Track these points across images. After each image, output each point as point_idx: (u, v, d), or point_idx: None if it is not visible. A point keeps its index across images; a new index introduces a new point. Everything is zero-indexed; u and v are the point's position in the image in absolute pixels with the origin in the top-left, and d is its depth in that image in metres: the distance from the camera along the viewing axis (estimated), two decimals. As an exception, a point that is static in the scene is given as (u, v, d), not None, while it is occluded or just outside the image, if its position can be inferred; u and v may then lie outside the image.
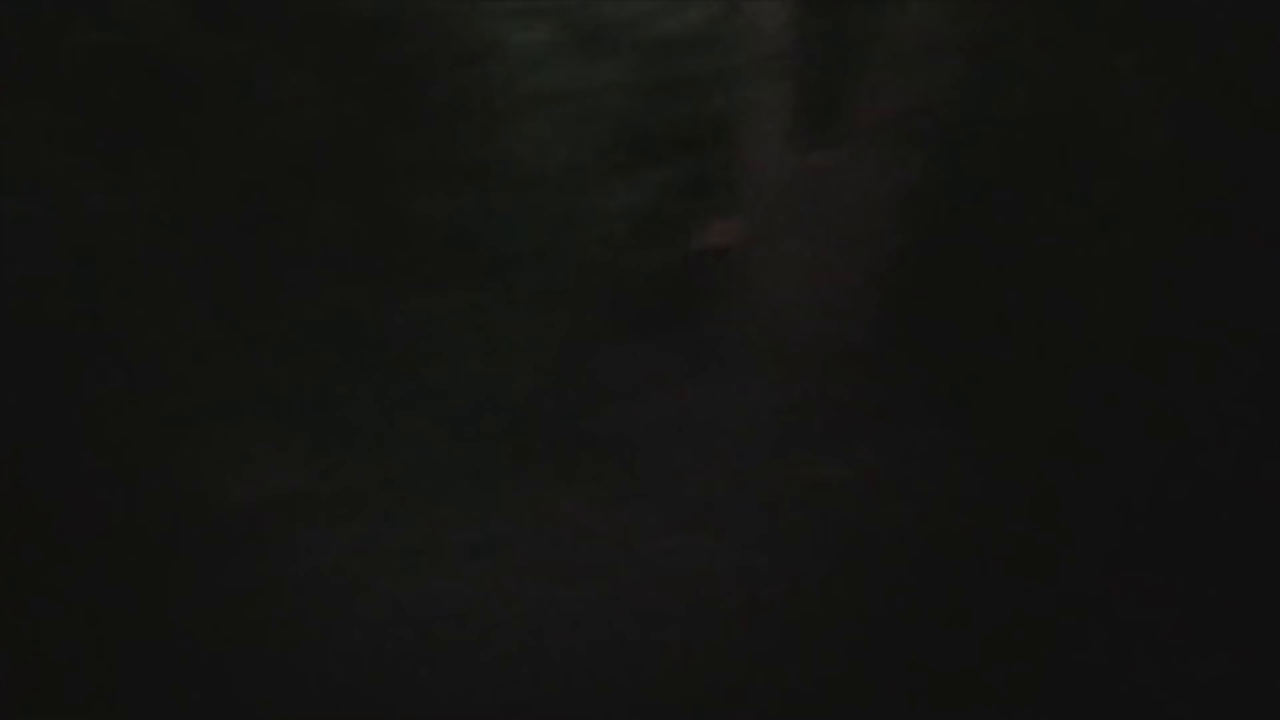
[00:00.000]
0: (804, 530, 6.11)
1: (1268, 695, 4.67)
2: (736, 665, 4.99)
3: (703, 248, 7.34)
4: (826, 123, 7.17)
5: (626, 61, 6.10)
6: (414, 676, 4.43)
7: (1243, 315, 6.14)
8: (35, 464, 4.69)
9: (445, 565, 5.18)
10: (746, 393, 7.02)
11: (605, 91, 6.03)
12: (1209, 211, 6.33)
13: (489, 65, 5.91)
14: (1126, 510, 6.14)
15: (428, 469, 5.60)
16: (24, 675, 3.94)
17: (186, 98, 5.82)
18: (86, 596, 4.37)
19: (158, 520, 4.81)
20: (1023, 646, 5.25)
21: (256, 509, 5.17)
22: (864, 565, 5.82)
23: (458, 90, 5.96)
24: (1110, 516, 6.20)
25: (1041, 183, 6.61)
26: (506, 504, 5.60)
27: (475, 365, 6.00)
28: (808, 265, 7.13)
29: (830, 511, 6.32)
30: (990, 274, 7.19)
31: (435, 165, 6.46)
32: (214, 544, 4.86)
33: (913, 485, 6.50)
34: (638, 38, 6.12)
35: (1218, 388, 6.22)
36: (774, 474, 6.48)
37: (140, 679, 4.07)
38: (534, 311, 6.39)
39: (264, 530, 5.02)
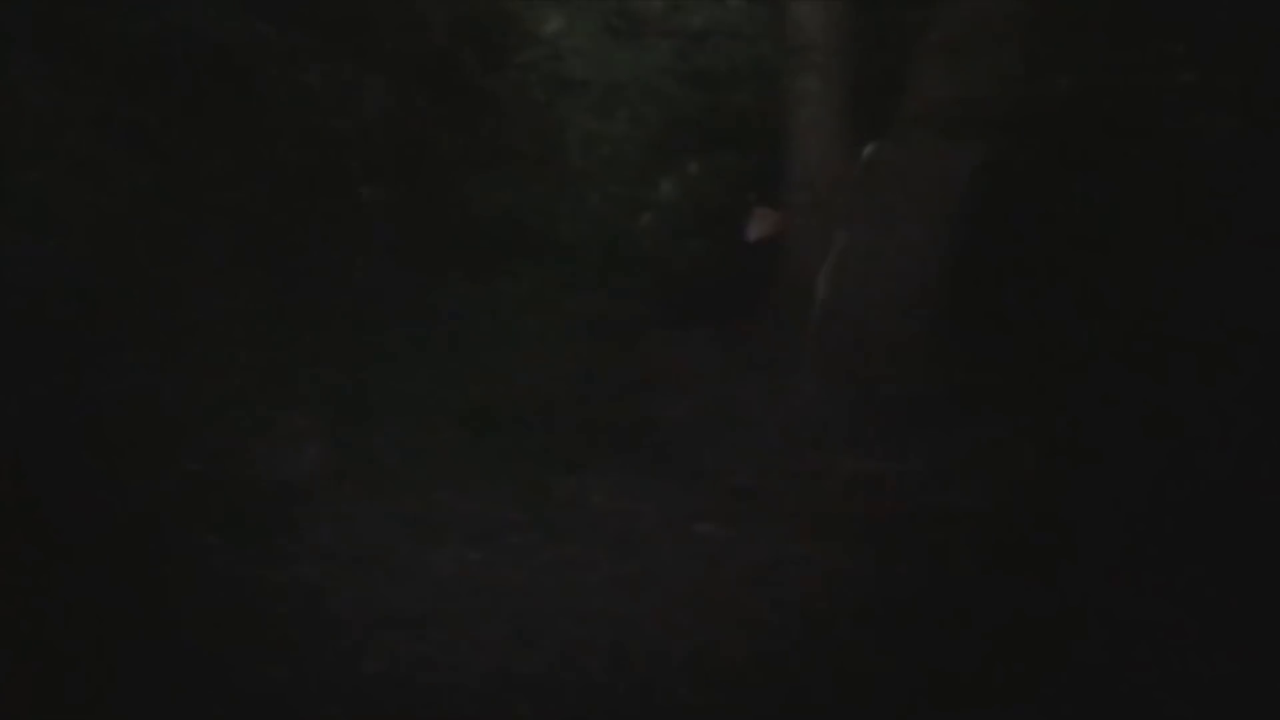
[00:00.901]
0: (843, 522, 6.07)
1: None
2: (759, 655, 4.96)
3: (753, 238, 7.35)
4: (876, 113, 7.14)
5: (674, 52, 6.10)
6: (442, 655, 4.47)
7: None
8: (67, 444, 4.85)
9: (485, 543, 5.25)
10: (793, 385, 7.01)
11: (655, 83, 6.04)
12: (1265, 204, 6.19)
13: (539, 58, 5.97)
14: (1175, 503, 6.05)
15: (466, 451, 5.68)
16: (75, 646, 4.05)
17: (246, 87, 6.00)
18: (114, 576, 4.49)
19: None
20: (1049, 643, 5.17)
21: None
22: (901, 557, 5.77)
23: (509, 83, 6.04)
24: (1161, 510, 6.11)
25: (1091, 172, 6.52)
26: (542, 488, 5.64)
27: (520, 351, 6.07)
28: (858, 257, 7.09)
29: (872, 504, 6.29)
30: (1040, 267, 7.11)
31: (488, 155, 6.58)
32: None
33: (958, 480, 6.45)
34: (684, 28, 6.12)
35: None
36: (816, 467, 6.46)
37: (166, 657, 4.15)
38: (582, 299, 6.46)
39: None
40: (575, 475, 5.71)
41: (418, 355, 5.75)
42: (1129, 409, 6.55)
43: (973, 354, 7.22)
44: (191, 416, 5.13)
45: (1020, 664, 5.04)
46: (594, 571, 5.14)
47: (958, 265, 7.12)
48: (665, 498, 5.83)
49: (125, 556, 4.39)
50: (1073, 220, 6.38)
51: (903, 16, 6.85)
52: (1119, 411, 6.58)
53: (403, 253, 5.93)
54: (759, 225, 7.24)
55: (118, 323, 5.35)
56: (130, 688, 3.91)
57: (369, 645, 4.23)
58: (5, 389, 4.86)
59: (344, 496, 5.16)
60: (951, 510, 6.25)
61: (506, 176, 6.29)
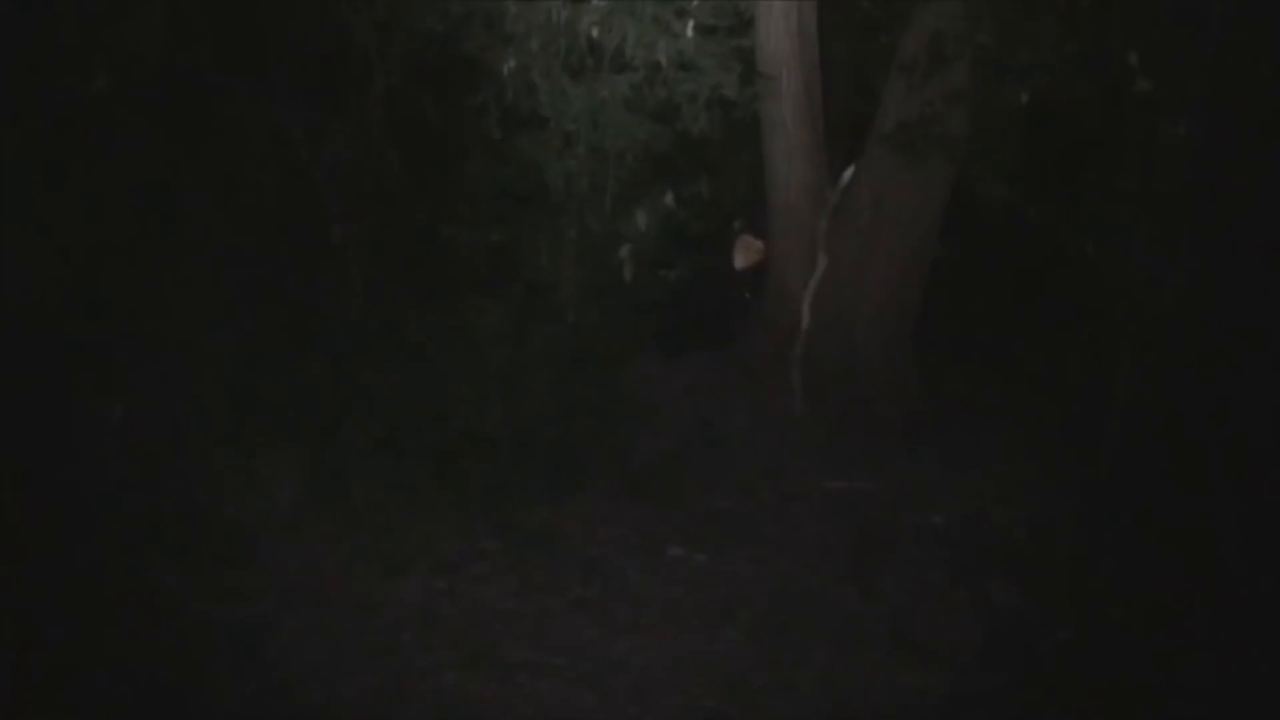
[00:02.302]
0: (819, 543, 6.14)
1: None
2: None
3: (739, 267, 7.46)
4: (851, 136, 7.24)
5: (631, 86, 6.23)
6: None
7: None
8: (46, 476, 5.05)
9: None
10: (775, 409, 7.10)
11: (614, 116, 6.18)
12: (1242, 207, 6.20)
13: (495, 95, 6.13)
14: (1163, 512, 6.06)
15: (440, 483, 5.81)
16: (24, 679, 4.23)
17: (217, 131, 6.23)
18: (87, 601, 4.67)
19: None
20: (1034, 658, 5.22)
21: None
22: (875, 575, 5.82)
23: (487, 120, 6.20)
24: (1146, 522, 6.12)
25: (1065, 182, 6.56)
26: (513, 517, 5.76)
27: (497, 384, 6.19)
28: (840, 279, 7.18)
29: (852, 521, 6.35)
30: (1014, 281, 7.15)
31: (468, 192, 6.76)
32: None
33: (937, 497, 6.50)
34: (642, 61, 6.25)
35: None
36: (795, 489, 6.53)
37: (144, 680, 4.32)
38: (560, 331, 6.59)
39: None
40: (549, 504, 5.79)
41: (393, 390, 5.89)
42: (1113, 421, 6.56)
43: (955, 370, 7.28)
44: (162, 453, 5.30)
45: (1005, 681, 5.10)
46: (557, 596, 5.24)
47: (937, 283, 7.18)
48: (640, 523, 5.92)
49: (81, 590, 4.56)
50: (1043, 232, 6.40)
51: (870, 43, 6.92)
52: (1103, 424, 6.59)
53: (376, 290, 6.09)
54: (744, 253, 7.34)
55: (92, 358, 5.54)
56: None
57: (312, 675, 4.35)
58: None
59: (311, 531, 5.29)
60: (928, 527, 6.29)
61: (482, 212, 6.44)
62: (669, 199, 6.57)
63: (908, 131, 6.44)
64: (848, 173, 7.16)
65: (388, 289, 6.02)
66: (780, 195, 7.12)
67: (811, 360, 7.08)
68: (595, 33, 5.96)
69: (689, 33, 6.19)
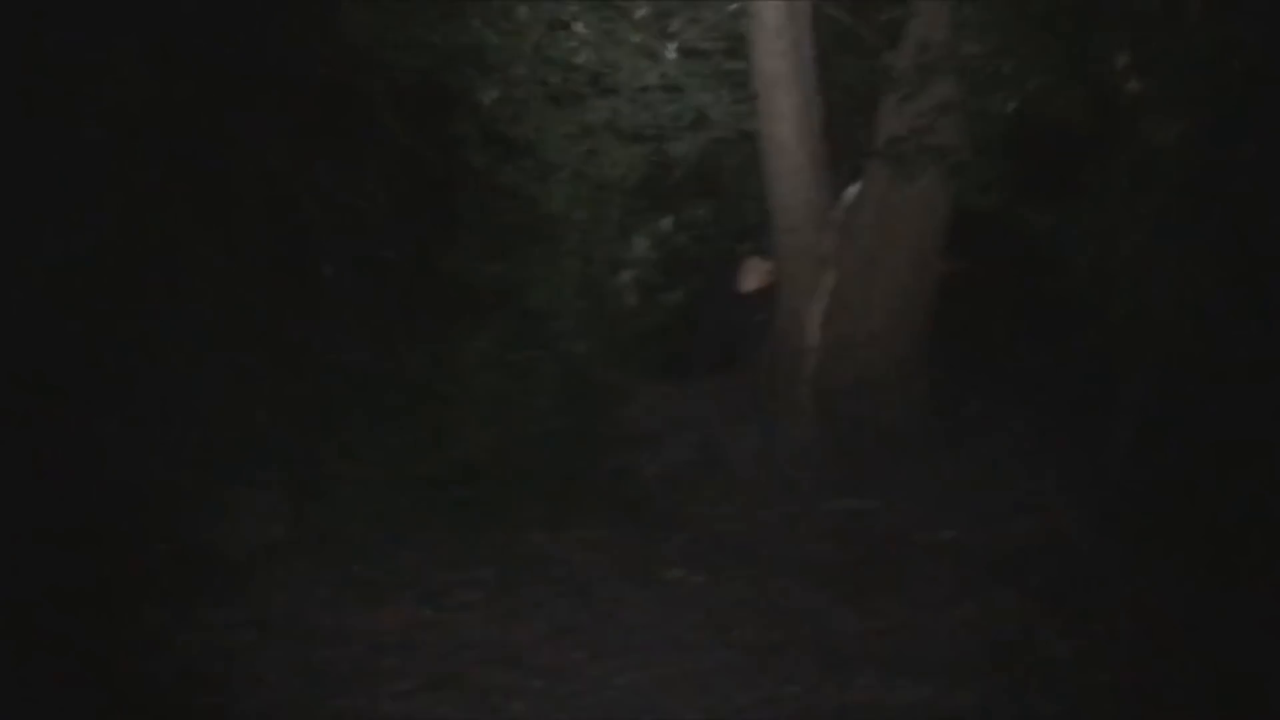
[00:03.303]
0: (824, 559, 6.09)
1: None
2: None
3: (746, 289, 7.43)
4: (850, 154, 7.21)
5: (611, 110, 6.27)
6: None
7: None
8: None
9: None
10: (780, 430, 7.05)
11: (597, 141, 6.21)
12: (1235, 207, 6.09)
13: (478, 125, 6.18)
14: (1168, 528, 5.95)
15: (437, 513, 5.85)
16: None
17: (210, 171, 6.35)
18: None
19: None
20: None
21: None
22: (873, 593, 5.76)
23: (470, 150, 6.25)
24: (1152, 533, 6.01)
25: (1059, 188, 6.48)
26: (509, 544, 5.77)
27: (499, 412, 6.23)
28: (846, 297, 7.13)
29: (858, 540, 6.29)
30: (1024, 292, 7.06)
31: (464, 223, 6.81)
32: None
33: (941, 514, 6.41)
34: (624, 86, 6.28)
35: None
36: (797, 509, 6.49)
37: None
38: (560, 358, 6.61)
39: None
40: (545, 531, 5.80)
41: (390, 421, 5.94)
42: (1120, 437, 6.45)
43: (966, 385, 7.19)
44: (154, 489, 5.39)
45: (1000, 696, 5.01)
46: (544, 621, 5.23)
47: (944, 297, 7.12)
48: (638, 547, 5.90)
49: (64, 620, 4.64)
50: (1040, 241, 6.32)
51: (871, 60, 6.90)
52: (1109, 440, 6.49)
53: (370, 322, 6.15)
54: (752, 275, 7.32)
55: (87, 397, 5.64)
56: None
57: (281, 703, 4.38)
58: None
59: (300, 563, 5.33)
60: (936, 544, 6.21)
61: (478, 242, 6.48)
62: (667, 223, 6.54)
63: (898, 145, 6.38)
64: (851, 190, 7.12)
65: (383, 321, 6.06)
66: (784, 216, 7.10)
67: (820, 380, 7.02)
68: (578, 59, 5.97)
69: (670, 54, 6.18)
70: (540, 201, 6.22)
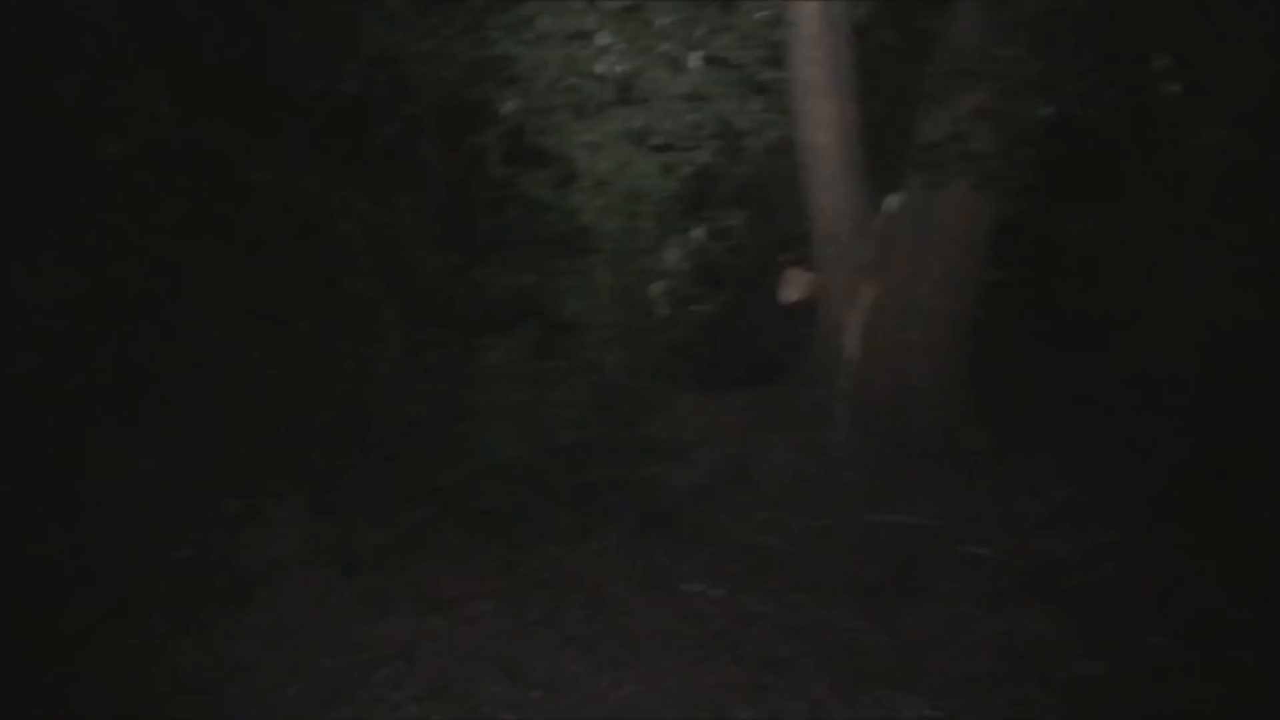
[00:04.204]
0: (851, 574, 5.99)
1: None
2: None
3: (788, 301, 7.33)
4: (894, 163, 7.08)
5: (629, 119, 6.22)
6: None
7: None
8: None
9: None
10: (816, 443, 6.93)
11: (619, 151, 6.17)
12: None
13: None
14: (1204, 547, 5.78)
15: (457, 525, 5.84)
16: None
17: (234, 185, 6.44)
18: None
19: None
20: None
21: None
22: (898, 612, 5.65)
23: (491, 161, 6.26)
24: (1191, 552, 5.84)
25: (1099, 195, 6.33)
26: (526, 555, 5.75)
27: (521, 418, 6.21)
28: (887, 309, 7.01)
29: (888, 555, 6.16)
30: (1071, 301, 6.90)
31: (497, 239, 6.82)
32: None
33: (975, 531, 6.27)
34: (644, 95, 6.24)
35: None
36: (829, 524, 6.37)
37: None
38: (591, 368, 6.57)
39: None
40: (563, 543, 5.76)
41: (411, 430, 5.95)
42: (1162, 451, 6.27)
43: (1010, 397, 7.03)
44: (173, 500, 5.46)
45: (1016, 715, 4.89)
46: (553, 633, 5.19)
47: (989, 307, 6.97)
48: (658, 560, 5.83)
49: (77, 636, 4.72)
50: (1082, 249, 6.16)
51: (910, 68, 6.78)
52: (1152, 453, 6.31)
53: (395, 334, 6.18)
54: (793, 286, 7.23)
55: (104, 403, 5.74)
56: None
57: (271, 712, 4.40)
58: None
59: (312, 573, 5.36)
60: (971, 559, 6.07)
61: (511, 254, 6.48)
62: (699, 233, 6.47)
63: (931, 152, 6.25)
64: (892, 199, 7.00)
65: (407, 331, 6.08)
66: (823, 225, 6.98)
67: (859, 391, 6.89)
68: (601, 69, 5.94)
69: (695, 62, 6.12)
70: (569, 212, 6.18)
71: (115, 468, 5.57)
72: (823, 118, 6.84)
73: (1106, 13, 5.82)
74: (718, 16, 6.21)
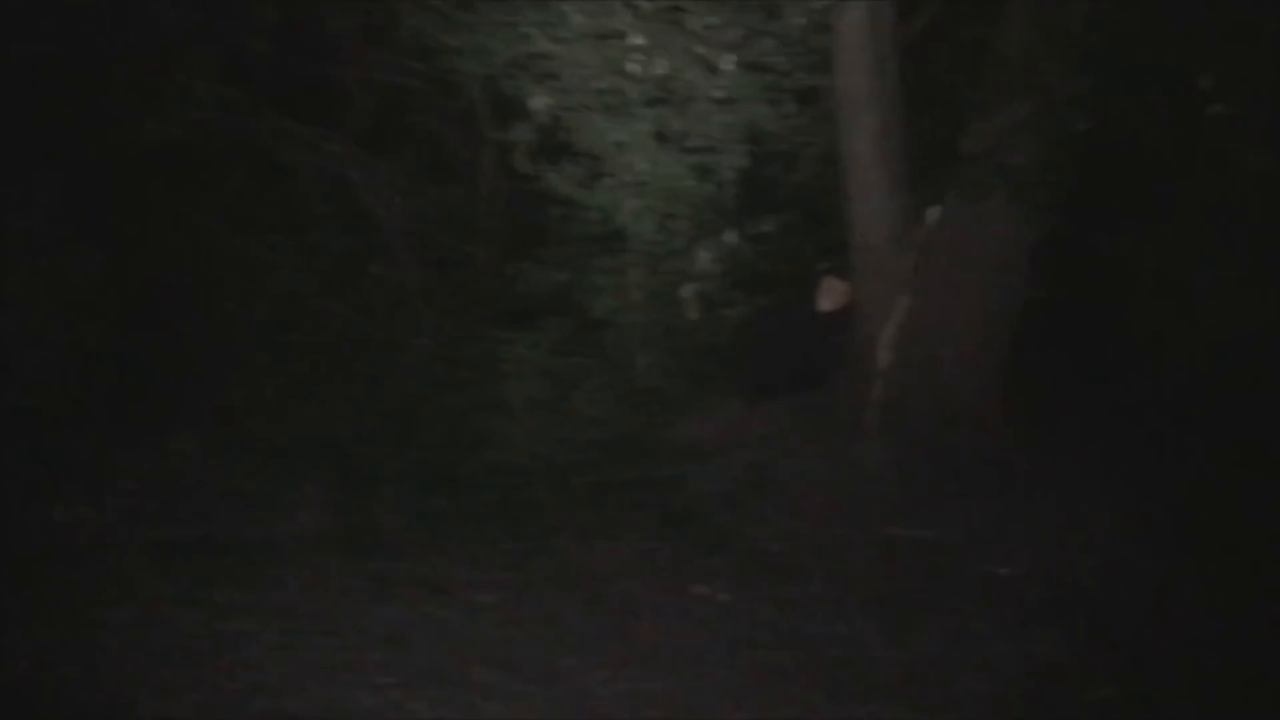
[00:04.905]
0: (865, 586, 5.93)
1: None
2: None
3: (825, 309, 7.28)
4: (931, 173, 7.02)
5: (658, 120, 6.22)
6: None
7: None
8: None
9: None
10: (843, 453, 6.87)
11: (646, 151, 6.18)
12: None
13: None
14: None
15: (473, 516, 5.87)
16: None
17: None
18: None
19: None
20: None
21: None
22: (904, 627, 5.58)
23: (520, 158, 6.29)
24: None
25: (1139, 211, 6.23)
26: (536, 549, 5.76)
27: (543, 414, 6.23)
28: (923, 320, 6.94)
29: (905, 569, 6.09)
30: (1111, 319, 6.78)
31: (531, 236, 6.86)
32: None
33: (996, 547, 6.17)
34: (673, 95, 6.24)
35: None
36: (848, 534, 6.31)
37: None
38: (620, 369, 6.58)
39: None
40: (577, 539, 5.75)
41: (435, 420, 5.98)
42: (1195, 475, 6.14)
43: (1046, 414, 6.92)
44: (196, 480, 5.54)
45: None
46: (553, 628, 5.18)
47: (1028, 322, 6.87)
48: (670, 562, 5.81)
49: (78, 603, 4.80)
50: (1122, 265, 6.06)
51: (957, 80, 6.72)
52: (1184, 480, 6.18)
53: (425, 326, 6.22)
54: (830, 295, 7.18)
55: (141, 385, 5.84)
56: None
57: (259, 688, 4.43)
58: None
59: (323, 556, 5.40)
60: (990, 578, 5.98)
61: (545, 251, 6.51)
62: (731, 237, 6.45)
63: (970, 165, 6.19)
64: (933, 211, 6.93)
65: (439, 323, 6.13)
66: (861, 234, 6.95)
67: (891, 403, 6.83)
68: (633, 68, 5.95)
69: (728, 65, 6.10)
70: (601, 211, 6.20)
71: (144, 444, 5.64)
72: (864, 127, 6.82)
73: (1152, 30, 5.71)
74: (757, 21, 6.17)
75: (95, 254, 5.79)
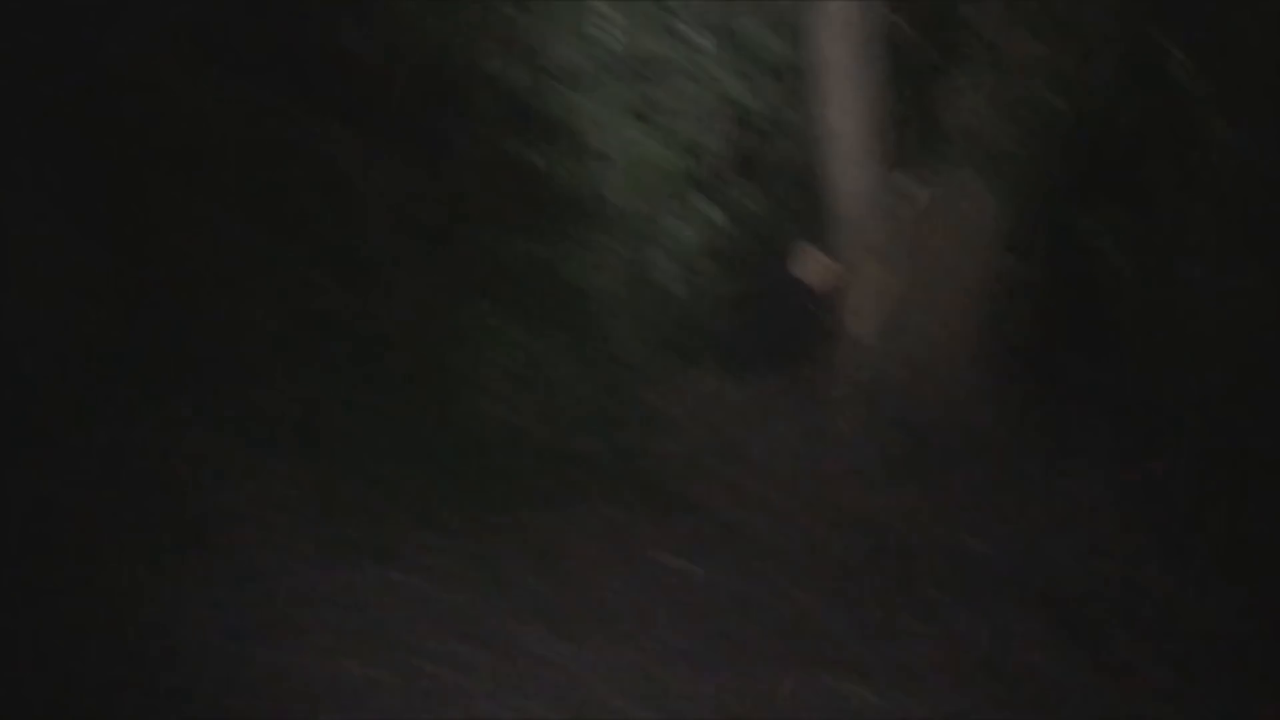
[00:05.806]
0: (835, 559, 5.88)
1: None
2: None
3: (801, 278, 7.21)
4: (913, 146, 6.94)
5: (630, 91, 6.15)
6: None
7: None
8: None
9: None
10: (817, 425, 6.82)
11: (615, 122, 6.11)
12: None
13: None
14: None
15: (436, 486, 5.81)
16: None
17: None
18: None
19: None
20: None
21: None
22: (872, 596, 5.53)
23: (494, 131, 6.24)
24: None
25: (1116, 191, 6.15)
26: (498, 519, 5.70)
27: (522, 391, 6.18)
28: (900, 294, 6.89)
29: (878, 543, 6.04)
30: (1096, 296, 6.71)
31: (522, 209, 6.79)
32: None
33: (986, 521, 6.11)
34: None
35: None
36: (816, 505, 6.25)
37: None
38: (595, 341, 6.52)
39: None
40: (544, 509, 5.70)
41: (399, 388, 5.93)
42: (1176, 457, 6.08)
43: (1027, 392, 6.85)
44: (171, 455, 5.49)
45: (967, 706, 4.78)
46: (513, 598, 5.13)
47: (1011, 300, 6.81)
48: (638, 533, 5.74)
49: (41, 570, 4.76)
50: (1105, 243, 5.98)
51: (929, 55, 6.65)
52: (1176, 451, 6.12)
53: (395, 300, 6.17)
54: (806, 264, 7.11)
55: (126, 364, 5.80)
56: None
57: (200, 651, 4.40)
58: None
59: (285, 524, 5.35)
60: (962, 553, 5.92)
61: (519, 223, 6.45)
62: (712, 211, 6.39)
63: (948, 139, 6.12)
64: (915, 188, 6.86)
65: (416, 291, 6.07)
66: (841, 209, 6.89)
67: (869, 377, 6.78)
68: (608, 40, 5.88)
69: (698, 37, 6.03)
70: (577, 183, 6.13)
71: (115, 419, 5.60)
72: (844, 101, 6.74)
73: (1130, 7, 5.63)
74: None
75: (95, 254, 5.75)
